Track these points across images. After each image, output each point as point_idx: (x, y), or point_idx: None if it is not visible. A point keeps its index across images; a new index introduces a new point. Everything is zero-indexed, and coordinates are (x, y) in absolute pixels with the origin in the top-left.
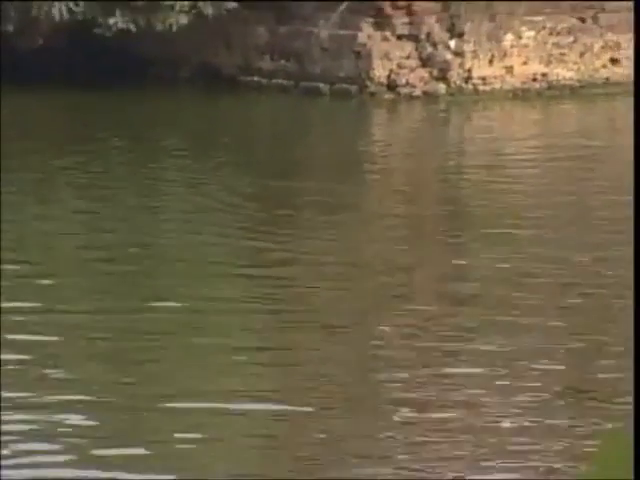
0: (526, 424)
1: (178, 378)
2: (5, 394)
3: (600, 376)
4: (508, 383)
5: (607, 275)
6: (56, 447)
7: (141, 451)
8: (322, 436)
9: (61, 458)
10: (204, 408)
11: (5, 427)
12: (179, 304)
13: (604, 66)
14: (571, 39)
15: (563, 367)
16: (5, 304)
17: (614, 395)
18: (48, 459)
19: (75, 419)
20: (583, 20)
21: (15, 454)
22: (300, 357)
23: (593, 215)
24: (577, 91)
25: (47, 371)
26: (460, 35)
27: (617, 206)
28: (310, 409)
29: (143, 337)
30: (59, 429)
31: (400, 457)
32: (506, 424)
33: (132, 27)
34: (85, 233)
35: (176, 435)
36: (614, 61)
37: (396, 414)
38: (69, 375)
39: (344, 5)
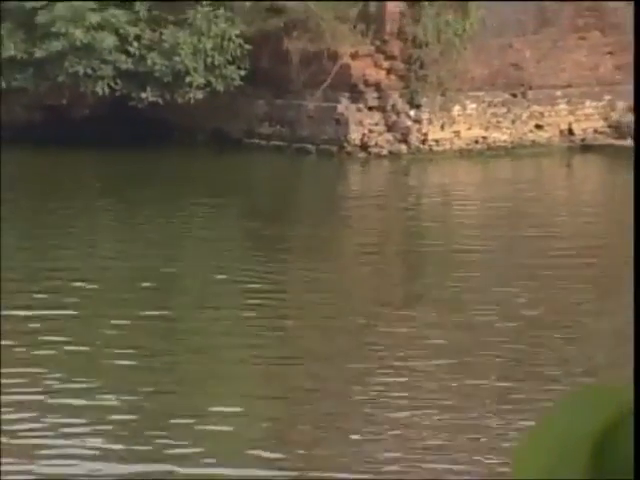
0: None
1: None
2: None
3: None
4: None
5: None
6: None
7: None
8: None
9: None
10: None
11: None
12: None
13: (531, 131)
14: (505, 110)
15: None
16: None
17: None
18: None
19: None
20: (514, 95)
21: None
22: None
23: (520, 243)
24: (510, 151)
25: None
26: (418, 107)
27: (540, 237)
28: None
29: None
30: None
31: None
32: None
33: (160, 100)
34: (127, 258)
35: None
36: (538, 127)
37: None
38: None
39: (326, 83)
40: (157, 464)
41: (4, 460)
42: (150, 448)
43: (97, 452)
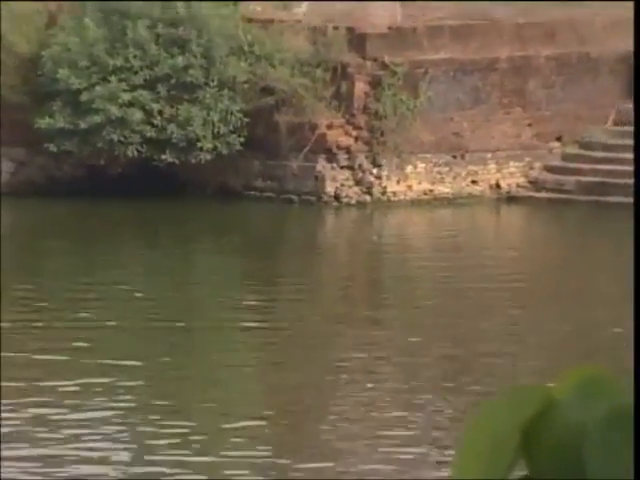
0: None
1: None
2: None
3: None
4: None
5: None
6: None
7: None
8: None
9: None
10: None
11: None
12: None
13: (467, 185)
14: (447, 169)
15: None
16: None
17: None
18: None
19: None
20: (455, 157)
21: None
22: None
23: (460, 271)
24: (451, 201)
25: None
26: (379, 166)
27: (474, 265)
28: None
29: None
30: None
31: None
32: None
33: (176, 161)
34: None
35: None
36: (473, 182)
37: None
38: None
39: (307, 148)
40: None
41: None
42: None
43: None
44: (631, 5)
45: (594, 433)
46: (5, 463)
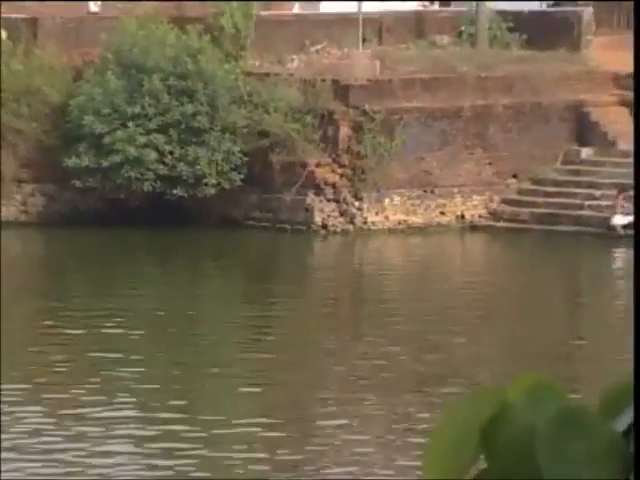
0: None
1: None
2: None
3: None
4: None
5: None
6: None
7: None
8: None
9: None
10: None
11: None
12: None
13: (436, 216)
14: (419, 202)
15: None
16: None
17: None
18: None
19: None
20: (425, 192)
21: None
22: None
23: (429, 289)
24: (422, 230)
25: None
26: (360, 199)
27: (440, 283)
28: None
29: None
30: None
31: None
32: None
33: (185, 195)
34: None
35: None
36: (442, 213)
37: None
38: None
39: (298, 184)
40: None
41: None
42: None
43: None
44: (577, 60)
45: (544, 431)
46: None
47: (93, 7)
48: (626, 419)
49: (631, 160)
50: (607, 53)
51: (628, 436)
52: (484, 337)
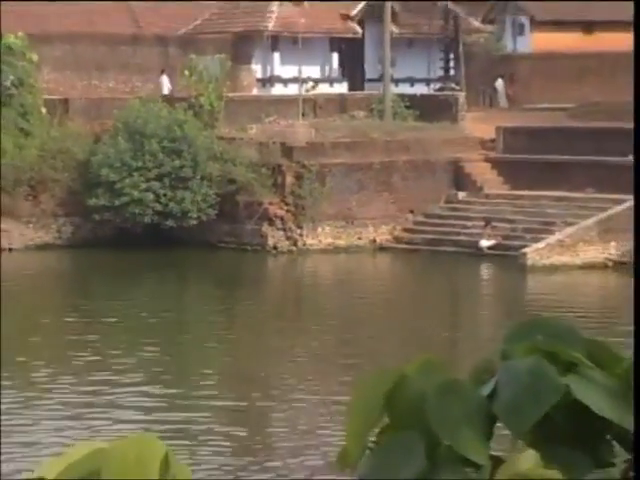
0: None
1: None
2: None
3: None
4: None
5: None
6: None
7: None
8: None
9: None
10: None
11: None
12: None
13: (355, 240)
14: (343, 230)
15: None
16: None
17: None
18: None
19: None
20: (347, 222)
21: None
22: None
23: (350, 297)
24: (346, 249)
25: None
26: (301, 228)
27: (357, 294)
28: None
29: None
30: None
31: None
32: None
33: (174, 225)
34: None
35: None
36: (359, 238)
37: None
38: None
39: (256, 216)
40: None
41: None
42: None
43: None
44: (455, 129)
45: (432, 396)
46: None
47: (166, 90)
48: (488, 387)
49: (494, 200)
50: (475, 125)
51: (491, 398)
52: (385, 323)
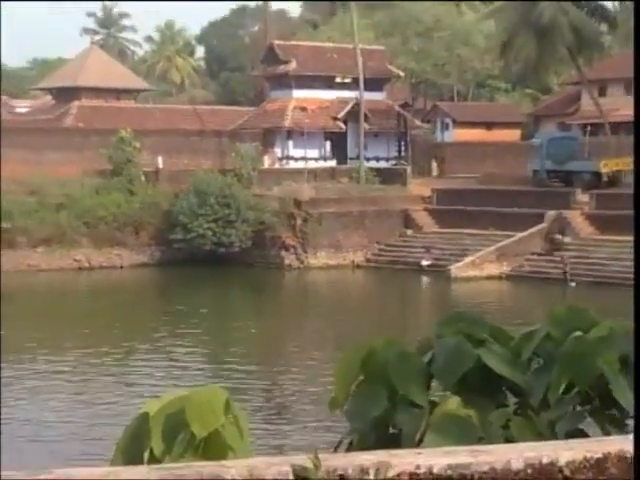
0: None
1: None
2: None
3: None
4: None
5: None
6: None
7: None
8: None
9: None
10: None
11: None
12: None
13: (340, 261)
14: (333, 254)
15: None
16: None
17: None
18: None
19: None
20: (336, 249)
21: None
22: None
23: (323, 310)
24: (334, 267)
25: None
26: (306, 252)
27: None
28: None
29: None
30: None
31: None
32: None
33: (225, 251)
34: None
35: None
36: (344, 259)
37: None
38: None
39: (277, 246)
40: None
41: None
42: None
43: None
44: (404, 190)
45: (392, 362)
46: None
47: (268, 164)
48: (428, 356)
49: (430, 235)
50: (418, 187)
51: (430, 364)
52: (360, 311)
